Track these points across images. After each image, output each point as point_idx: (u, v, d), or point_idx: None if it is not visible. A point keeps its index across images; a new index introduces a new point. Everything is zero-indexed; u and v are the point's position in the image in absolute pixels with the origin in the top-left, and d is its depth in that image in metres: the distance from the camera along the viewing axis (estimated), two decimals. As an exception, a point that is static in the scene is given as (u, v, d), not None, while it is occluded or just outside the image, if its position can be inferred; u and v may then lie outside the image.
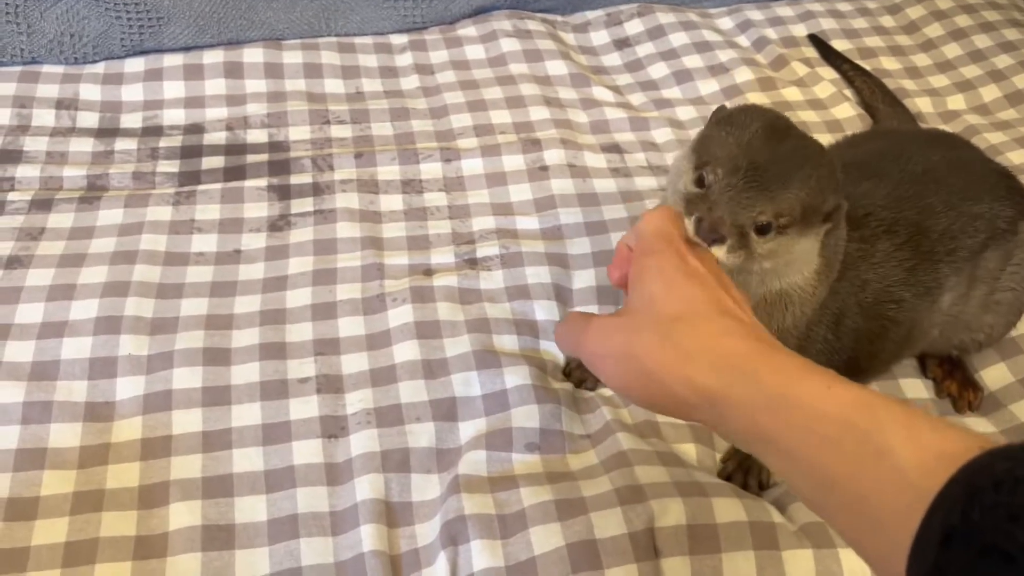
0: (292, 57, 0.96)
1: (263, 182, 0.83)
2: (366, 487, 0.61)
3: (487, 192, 0.85)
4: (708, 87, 0.98)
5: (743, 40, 1.05)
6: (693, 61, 1.00)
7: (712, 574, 0.56)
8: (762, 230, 0.52)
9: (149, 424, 0.65)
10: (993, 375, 0.72)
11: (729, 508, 0.58)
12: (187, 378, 0.67)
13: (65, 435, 0.63)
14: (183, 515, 0.60)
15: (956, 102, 0.99)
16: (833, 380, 0.40)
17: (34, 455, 0.62)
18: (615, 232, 0.81)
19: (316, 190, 0.83)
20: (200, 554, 0.58)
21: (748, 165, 0.52)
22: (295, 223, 0.80)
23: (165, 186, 0.82)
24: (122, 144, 0.86)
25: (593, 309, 0.75)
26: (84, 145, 0.86)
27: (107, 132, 0.87)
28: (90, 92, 0.90)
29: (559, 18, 1.05)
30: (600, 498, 0.59)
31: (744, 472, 0.64)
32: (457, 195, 0.84)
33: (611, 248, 0.79)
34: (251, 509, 0.60)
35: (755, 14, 1.08)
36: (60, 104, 0.89)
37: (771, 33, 1.06)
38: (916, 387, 0.72)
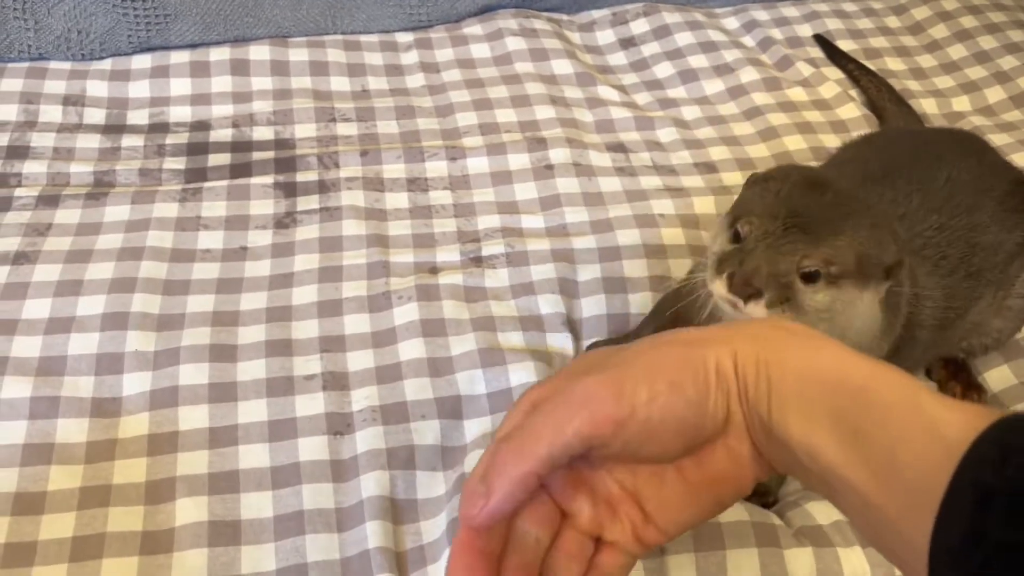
0: (298, 55, 0.96)
1: (269, 179, 0.83)
2: (371, 484, 0.61)
3: (492, 191, 0.85)
4: (713, 87, 0.98)
5: (748, 40, 1.05)
6: (698, 61, 1.00)
7: (717, 571, 0.56)
8: (809, 278, 0.48)
9: (156, 420, 0.65)
10: (996, 377, 0.72)
11: (732, 508, 0.59)
12: (193, 374, 0.67)
13: (72, 430, 0.64)
14: (189, 511, 0.60)
15: (961, 103, 0.99)
16: (848, 353, 0.37)
17: (41, 450, 0.62)
18: (620, 230, 0.81)
19: (322, 187, 0.83)
20: (207, 550, 0.58)
21: (788, 212, 0.48)
22: (301, 220, 0.80)
23: (171, 183, 0.83)
24: (129, 141, 0.86)
25: (600, 307, 0.74)
26: (91, 141, 0.86)
27: (114, 128, 0.88)
28: (97, 88, 0.91)
29: (565, 17, 1.06)
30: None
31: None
32: (462, 193, 0.85)
33: (616, 245, 0.79)
34: (257, 505, 0.61)
35: (761, 14, 1.08)
36: (67, 100, 0.89)
37: (776, 33, 1.06)
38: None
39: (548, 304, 0.74)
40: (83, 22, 0.91)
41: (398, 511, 0.61)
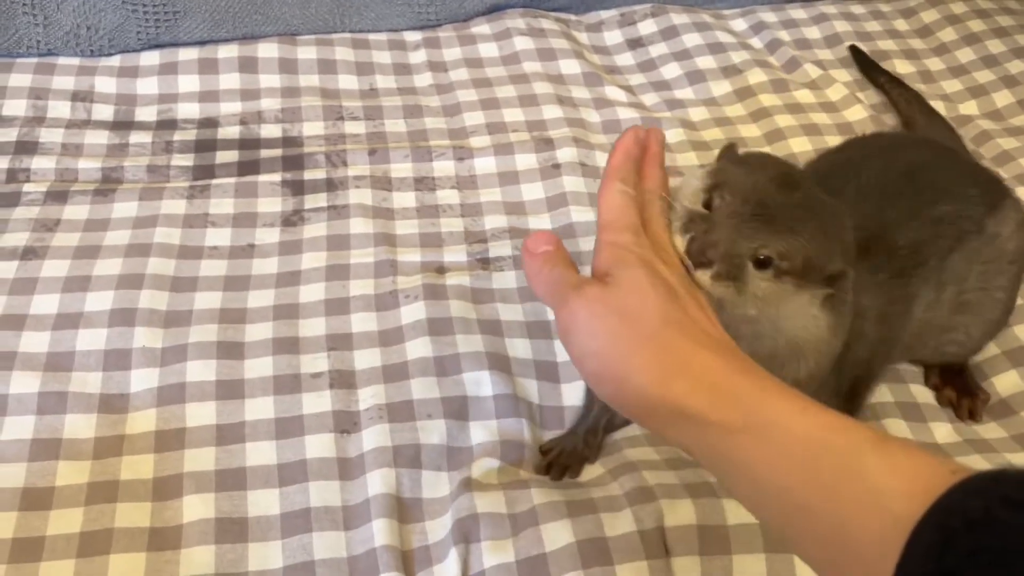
0: (306, 53, 0.96)
1: (277, 177, 0.84)
2: (378, 482, 0.62)
3: (499, 191, 0.85)
4: (721, 88, 0.98)
5: (756, 42, 1.05)
6: (706, 62, 1.00)
7: (722, 574, 0.57)
8: (761, 264, 0.51)
9: (163, 416, 0.65)
10: (1005, 382, 0.72)
11: (739, 510, 0.59)
12: (201, 371, 0.68)
13: (80, 426, 0.64)
14: (197, 507, 0.60)
15: (969, 107, 0.99)
16: (807, 402, 0.40)
17: (49, 445, 0.63)
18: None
19: (330, 186, 0.83)
20: (214, 546, 0.58)
21: (759, 200, 0.51)
22: (308, 218, 0.80)
23: (179, 180, 0.83)
24: (137, 137, 0.86)
25: None
26: (99, 138, 0.86)
27: (122, 125, 0.88)
28: (105, 85, 0.91)
29: (573, 17, 1.06)
30: (610, 500, 0.60)
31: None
32: (469, 193, 0.85)
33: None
34: (264, 502, 0.61)
35: (769, 16, 1.08)
36: (76, 96, 0.89)
37: (784, 35, 1.06)
38: (926, 394, 0.72)
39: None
40: (92, 18, 0.91)
41: (404, 510, 0.61)
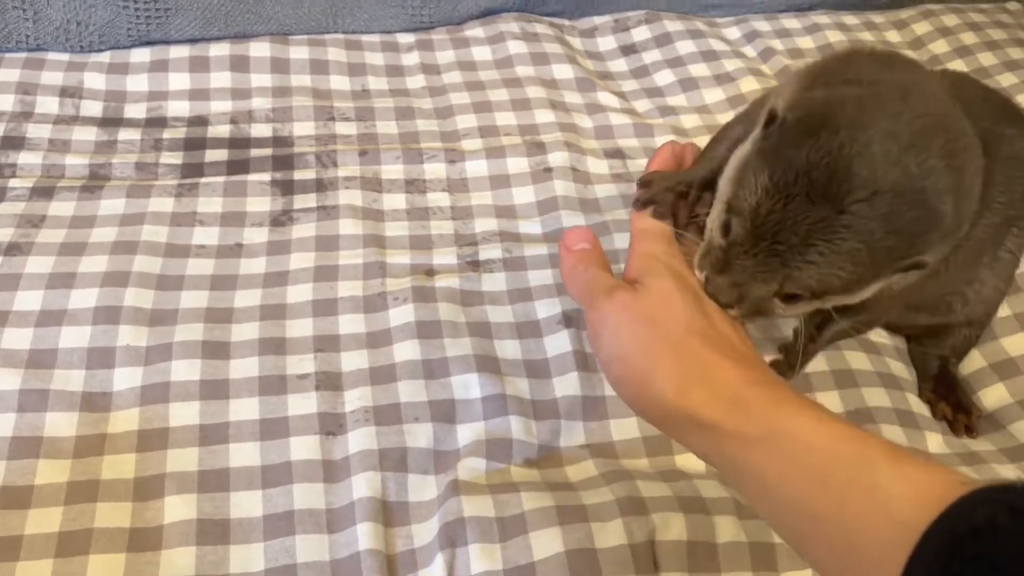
0: (298, 53, 0.96)
1: (266, 176, 0.83)
2: (363, 485, 0.61)
3: (490, 194, 0.85)
4: (713, 96, 0.98)
5: (750, 50, 1.05)
6: (699, 70, 1.00)
7: (709, 587, 0.56)
8: (789, 299, 0.47)
9: (146, 416, 0.64)
10: (992, 396, 0.72)
11: (729, 527, 0.58)
12: (185, 371, 0.67)
13: (61, 424, 0.63)
14: (178, 508, 0.59)
15: (959, 119, 0.99)
16: (823, 413, 0.41)
17: (29, 443, 0.62)
18: (617, 234, 0.81)
19: (319, 186, 0.83)
20: (195, 548, 0.57)
21: (774, 236, 0.44)
22: (297, 218, 0.80)
23: (167, 177, 0.82)
24: (125, 134, 0.86)
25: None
26: (87, 134, 0.85)
27: (111, 122, 0.87)
28: (95, 81, 0.90)
29: (567, 22, 1.05)
30: (601, 508, 0.59)
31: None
32: (460, 196, 0.84)
33: (614, 249, 0.79)
34: (247, 504, 0.60)
35: (762, 25, 1.08)
36: (64, 92, 0.89)
37: (777, 44, 1.06)
38: (921, 403, 0.72)
39: (545, 309, 0.74)
40: (82, 14, 0.90)
41: (389, 513, 0.60)
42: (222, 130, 0.87)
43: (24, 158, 0.82)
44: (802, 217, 0.44)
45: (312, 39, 0.97)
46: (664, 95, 0.99)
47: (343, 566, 0.57)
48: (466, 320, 0.73)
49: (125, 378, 0.66)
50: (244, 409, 0.65)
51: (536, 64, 0.98)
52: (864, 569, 0.35)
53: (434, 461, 0.64)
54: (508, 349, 0.71)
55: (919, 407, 0.71)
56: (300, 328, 0.71)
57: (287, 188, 0.82)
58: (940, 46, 1.08)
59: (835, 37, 1.08)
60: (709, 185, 0.54)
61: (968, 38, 1.08)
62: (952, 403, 0.71)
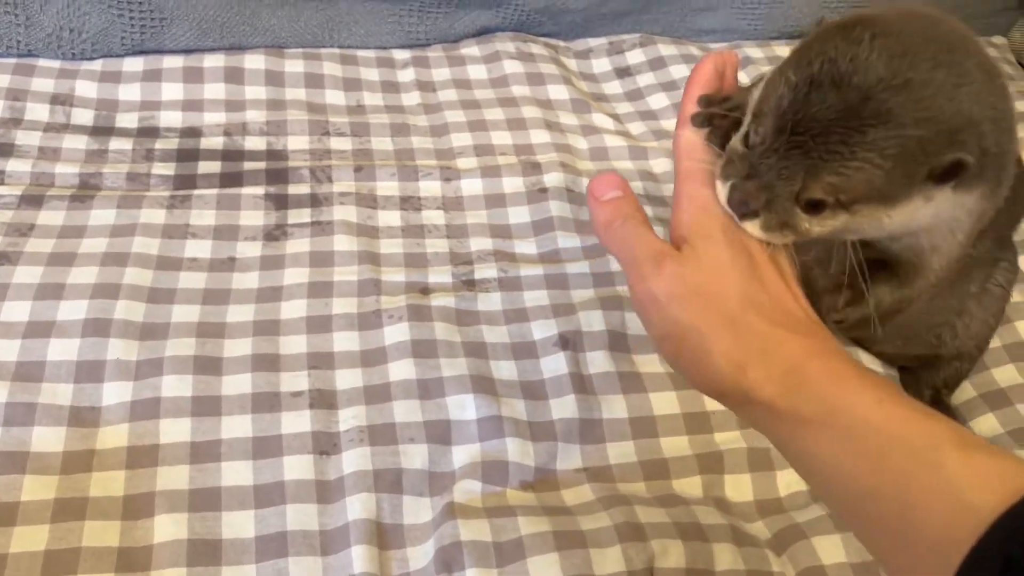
0: (294, 66, 0.95)
1: (260, 190, 0.82)
2: (357, 506, 0.60)
3: (485, 213, 0.85)
4: (707, 120, 0.98)
5: (742, 76, 1.06)
6: (693, 94, 1.01)
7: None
8: (812, 207, 0.42)
9: (136, 432, 0.63)
10: (983, 425, 0.73)
11: (727, 555, 0.58)
12: (176, 386, 0.66)
13: (48, 439, 0.62)
14: (168, 528, 0.58)
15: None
16: (885, 393, 0.39)
17: (15, 458, 0.60)
18: (613, 256, 0.80)
19: (314, 201, 0.82)
20: (185, 569, 0.56)
21: (795, 124, 0.41)
22: (291, 233, 0.79)
23: (159, 188, 0.81)
24: (117, 144, 0.85)
25: (599, 323, 0.74)
26: (78, 143, 0.84)
27: (102, 131, 0.86)
28: (86, 89, 0.89)
29: (562, 43, 1.06)
30: (599, 533, 0.59)
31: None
32: (455, 214, 0.84)
33: (609, 271, 0.79)
34: (239, 524, 0.59)
35: (755, 51, 1.09)
36: (55, 99, 0.87)
37: (769, 71, 1.07)
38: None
39: (541, 330, 0.74)
40: (76, 21, 0.89)
41: (384, 536, 0.60)
42: (215, 142, 0.86)
43: (13, 165, 0.80)
44: (825, 104, 0.40)
45: (307, 52, 0.97)
46: (658, 118, 0.99)
47: (337, 589, 0.57)
48: (461, 340, 0.72)
49: (115, 393, 0.65)
50: (236, 427, 0.64)
51: (532, 84, 0.98)
52: (922, 549, 0.34)
53: (429, 483, 0.63)
54: (504, 370, 0.71)
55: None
56: (294, 345, 0.70)
57: (281, 202, 0.81)
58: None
59: (826, 65, 1.09)
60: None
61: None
62: None
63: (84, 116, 0.87)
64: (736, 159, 0.44)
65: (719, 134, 0.47)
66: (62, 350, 0.66)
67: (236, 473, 0.62)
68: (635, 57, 1.05)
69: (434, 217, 0.83)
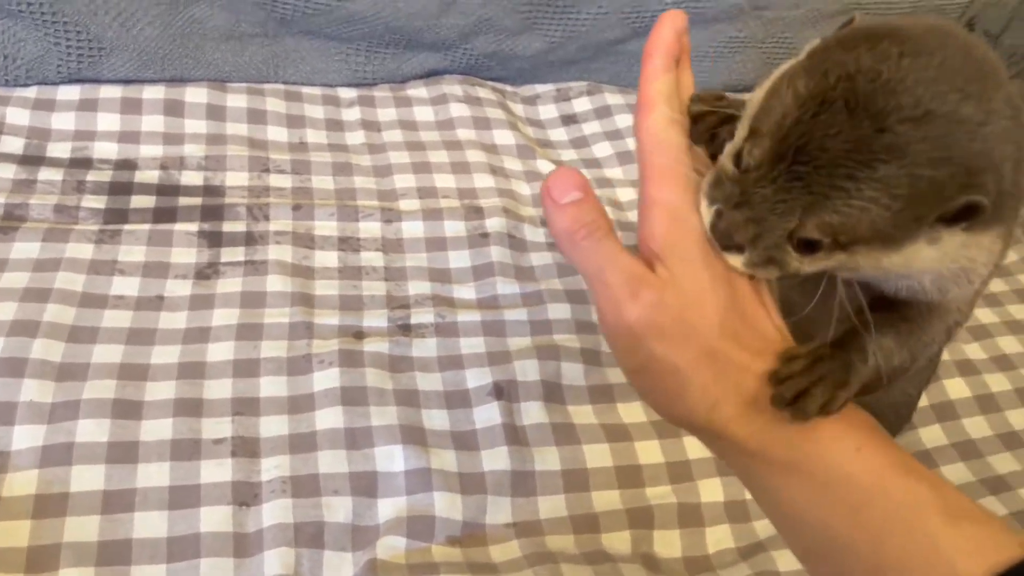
0: (236, 100, 0.94)
1: (194, 227, 0.80)
2: (275, 561, 0.58)
3: (425, 256, 0.84)
4: (651, 170, 0.99)
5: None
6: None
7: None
8: (804, 246, 0.38)
9: (46, 479, 0.60)
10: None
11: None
12: (92, 431, 0.63)
13: (-50, 485, 0.59)
14: (73, 582, 0.55)
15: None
16: (864, 438, 0.37)
17: (-87, 505, 0.57)
18: (552, 303, 0.80)
19: (249, 240, 0.80)
20: (88, 627, 0.54)
21: (797, 152, 0.36)
22: (224, 272, 0.77)
23: (88, 222, 0.79)
24: (46, 174, 0.82)
25: (534, 372, 0.73)
26: (5, 171, 0.81)
27: (31, 160, 0.83)
28: (18, 116, 0.86)
29: (509, 88, 1.06)
30: (522, 592, 0.58)
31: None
32: (395, 257, 0.83)
33: (547, 319, 0.79)
34: (149, 579, 0.57)
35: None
36: (-16, 126, 0.85)
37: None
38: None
39: (476, 378, 0.73)
40: (11, 47, 0.87)
41: (301, 593, 0.58)
42: (150, 176, 0.84)
43: (-66, 193, 0.78)
44: (834, 131, 0.35)
45: (251, 87, 0.96)
46: (602, 167, 0.99)
47: (249, 650, 0.54)
48: (393, 387, 0.71)
49: (25, 436, 0.62)
50: (153, 475, 0.62)
51: (477, 128, 0.98)
52: None
53: (352, 537, 0.61)
54: (436, 419, 0.70)
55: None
56: (219, 389, 0.68)
57: (215, 240, 0.80)
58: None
59: (769, 119, 1.11)
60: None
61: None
62: None
63: (14, 144, 0.84)
64: (725, 180, 0.39)
65: (703, 130, 0.42)
66: (-28, 390, 0.64)
67: (150, 524, 0.59)
68: (581, 105, 1.06)
69: (373, 259, 0.82)
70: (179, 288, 0.75)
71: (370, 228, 0.85)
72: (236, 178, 0.86)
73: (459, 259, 0.84)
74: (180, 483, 0.62)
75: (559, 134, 1.03)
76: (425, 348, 0.75)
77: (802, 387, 0.38)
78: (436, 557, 0.61)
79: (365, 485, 0.64)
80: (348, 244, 0.83)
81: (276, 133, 0.93)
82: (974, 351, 0.84)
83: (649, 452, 0.71)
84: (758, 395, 0.38)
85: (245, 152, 0.89)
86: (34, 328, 0.68)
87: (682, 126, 0.40)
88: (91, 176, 0.83)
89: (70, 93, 0.89)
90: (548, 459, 0.69)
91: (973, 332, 0.85)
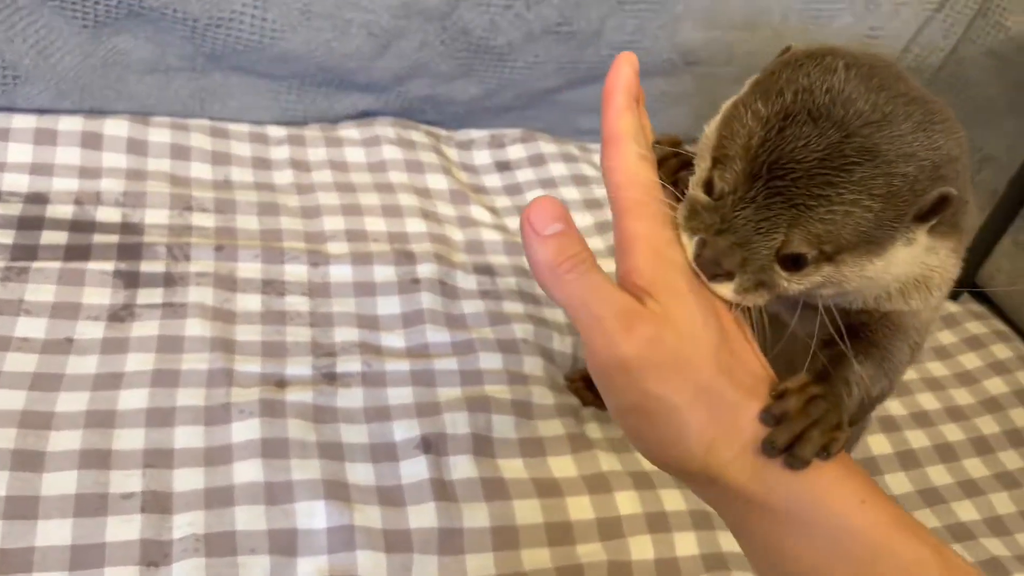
0: (159, 135, 0.90)
1: (109, 266, 0.76)
2: (185, 628, 0.55)
3: (353, 301, 0.81)
4: (582, 220, 0.99)
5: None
6: (570, 192, 1.02)
7: None
8: (791, 262, 0.38)
9: (-69, 538, 0.56)
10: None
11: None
12: (-13, 484, 0.59)
13: None
14: (-43, 654, 0.51)
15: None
16: (867, 492, 0.36)
17: None
18: (483, 353, 0.79)
19: (168, 280, 0.77)
20: None
21: (771, 169, 0.37)
22: (139, 315, 0.73)
23: (-6, 258, 0.74)
24: (-51, 206, 0.77)
25: (463, 425, 0.71)
26: (-97, 201, 0.76)
27: (-67, 190, 0.78)
28: (-80, 144, 0.82)
29: (444, 132, 1.05)
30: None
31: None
32: (321, 302, 0.80)
33: (478, 369, 0.77)
34: (43, 649, 0.52)
35: (631, 154, 1.12)
36: None
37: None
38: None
39: (403, 430, 0.71)
40: (-84, 70, 0.82)
41: (212, 662, 0.54)
42: (63, 211, 0.80)
43: None
44: (803, 143, 0.36)
45: (175, 122, 0.93)
46: (535, 214, 0.99)
47: None
48: (316, 439, 0.68)
49: (-89, 491, 0.57)
50: (54, 533, 0.58)
51: (410, 171, 0.97)
52: None
53: (269, 600, 0.58)
54: (360, 474, 0.67)
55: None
56: (129, 440, 0.64)
57: (131, 280, 0.76)
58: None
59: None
60: None
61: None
62: None
63: (-86, 173, 0.79)
64: (701, 210, 0.39)
65: (667, 173, 0.43)
66: None
67: (47, 587, 0.55)
68: (516, 152, 1.05)
69: (298, 303, 0.79)
70: (90, 330, 0.71)
71: (296, 271, 0.82)
72: (156, 216, 0.83)
73: (388, 305, 0.82)
74: (83, 542, 0.58)
75: (493, 180, 1.02)
76: (350, 398, 0.72)
77: (797, 432, 0.37)
78: (358, 621, 0.58)
79: (284, 543, 0.61)
80: (272, 287, 0.80)
81: (200, 170, 0.89)
82: (895, 408, 0.85)
83: (580, 508, 0.69)
84: (755, 436, 0.37)
85: (166, 189, 0.85)
86: (-73, 372, 0.63)
87: (651, 162, 0.40)
88: (-1, 209, 0.79)
89: (-21, 121, 0.85)
90: (477, 516, 0.66)
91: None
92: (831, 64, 0.38)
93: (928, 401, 0.86)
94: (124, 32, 0.86)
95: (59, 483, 0.60)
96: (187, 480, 0.63)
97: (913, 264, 0.42)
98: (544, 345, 0.82)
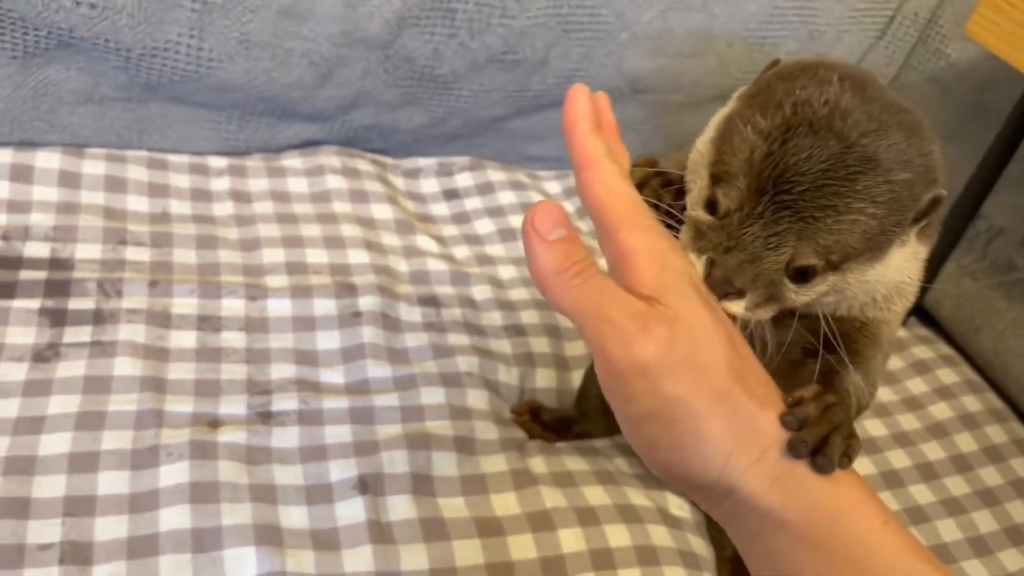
0: (93, 167, 0.88)
1: (35, 303, 0.74)
2: None
3: (292, 336, 0.79)
4: (531, 248, 0.98)
5: (568, 206, 1.07)
6: (519, 220, 1.01)
7: None
8: (799, 275, 0.39)
9: None
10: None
11: None
12: None
13: None
14: None
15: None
16: (887, 515, 0.35)
17: None
18: (425, 387, 0.77)
19: (97, 318, 0.74)
20: None
21: (776, 184, 0.37)
22: (65, 354, 0.71)
23: (-88, 297, 0.71)
24: None
25: (403, 464, 0.69)
26: None
27: None
28: None
29: (390, 161, 1.04)
30: None
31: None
32: (258, 337, 0.78)
33: (419, 404, 0.75)
34: None
35: (581, 181, 1.11)
36: None
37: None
38: None
39: (339, 470, 0.69)
40: None
41: None
42: (-11, 246, 0.78)
43: None
44: (806, 155, 0.37)
45: (111, 154, 0.90)
46: (483, 243, 0.98)
47: None
48: (249, 481, 0.66)
49: None
50: (-38, 589, 0.55)
51: (354, 201, 0.95)
52: None
53: (192, 655, 0.55)
54: (294, 516, 0.65)
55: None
56: (49, 487, 0.62)
57: (58, 318, 0.73)
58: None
59: (648, 199, 1.12)
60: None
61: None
62: None
63: None
64: (705, 230, 0.39)
65: (649, 193, 0.43)
66: None
67: (-47, 649, 0.52)
68: (464, 180, 1.04)
69: (234, 340, 0.77)
70: (12, 372, 0.68)
71: (233, 306, 0.80)
72: (87, 250, 0.80)
73: (328, 340, 0.80)
74: (-6, 598, 0.55)
75: (440, 208, 1.01)
76: (285, 438, 0.70)
77: (822, 435, 0.36)
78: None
79: (209, 595, 0.58)
80: (208, 323, 0.78)
81: (136, 203, 0.87)
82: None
83: (522, 547, 0.68)
84: (773, 443, 0.36)
85: (100, 223, 0.83)
86: None
87: (630, 179, 0.40)
88: (-80, 246, 0.76)
89: (-98, 154, 0.82)
90: (415, 558, 0.65)
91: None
92: (826, 76, 0.39)
93: (875, 427, 0.86)
94: (55, 63, 0.84)
95: (-28, 535, 0.58)
96: (109, 528, 0.60)
97: (901, 268, 0.44)
98: (489, 377, 0.81)
